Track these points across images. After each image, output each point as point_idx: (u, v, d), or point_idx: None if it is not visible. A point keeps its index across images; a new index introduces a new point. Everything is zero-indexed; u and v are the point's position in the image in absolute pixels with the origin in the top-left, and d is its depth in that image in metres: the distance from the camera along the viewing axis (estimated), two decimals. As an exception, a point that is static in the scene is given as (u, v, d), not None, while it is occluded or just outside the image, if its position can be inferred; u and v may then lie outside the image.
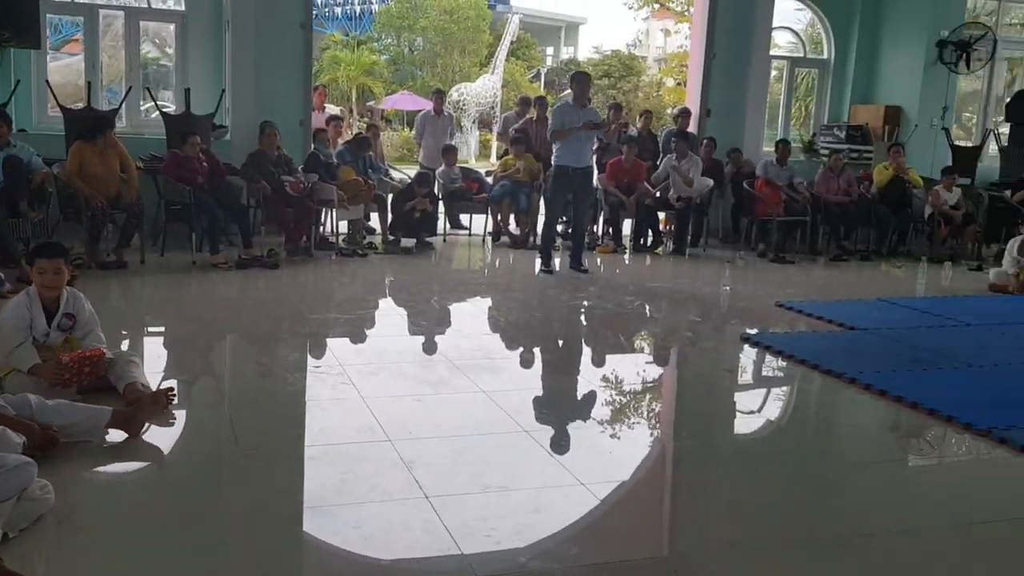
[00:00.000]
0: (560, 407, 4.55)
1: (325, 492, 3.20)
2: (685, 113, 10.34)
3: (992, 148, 11.02)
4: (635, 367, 5.43)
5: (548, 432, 4.02)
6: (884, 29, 11.12)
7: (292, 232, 8.01)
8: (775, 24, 10.69)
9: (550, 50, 39.31)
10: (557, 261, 8.04)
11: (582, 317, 6.61)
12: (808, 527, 3.21)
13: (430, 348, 5.45)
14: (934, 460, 4.19)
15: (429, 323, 6.21)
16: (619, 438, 4.08)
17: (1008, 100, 11.08)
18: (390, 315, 6.55)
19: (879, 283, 8.31)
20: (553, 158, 7.90)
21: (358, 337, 5.64)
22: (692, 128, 10.23)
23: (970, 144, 11.29)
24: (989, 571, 2.96)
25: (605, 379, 5.08)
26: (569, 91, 8.44)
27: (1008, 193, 9.55)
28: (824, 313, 6.48)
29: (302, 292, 6.96)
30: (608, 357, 5.67)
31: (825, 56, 11.47)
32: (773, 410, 4.76)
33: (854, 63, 11.25)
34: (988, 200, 9.82)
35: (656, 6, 30.66)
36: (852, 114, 11.26)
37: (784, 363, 5.32)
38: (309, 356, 5.15)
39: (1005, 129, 10.97)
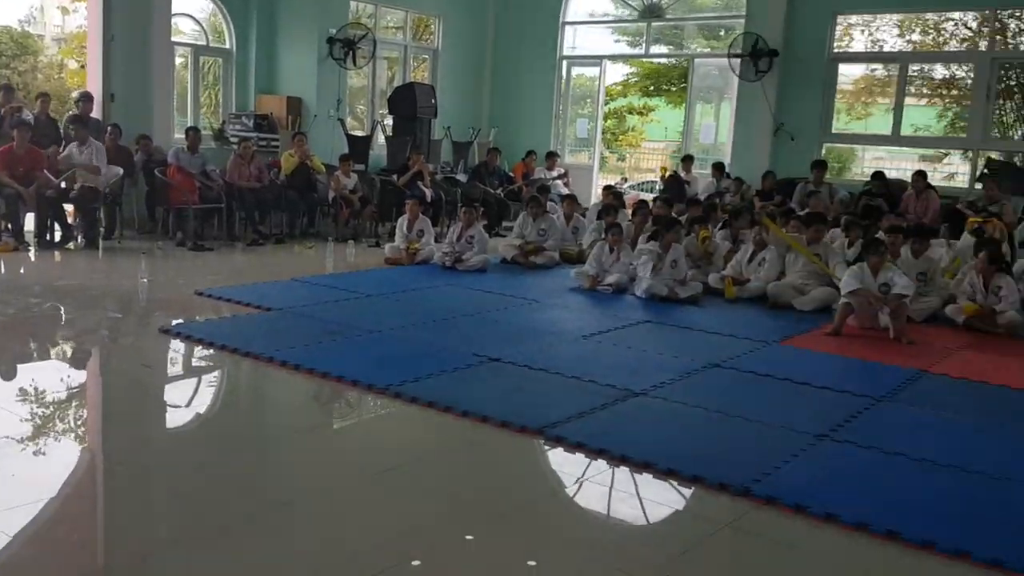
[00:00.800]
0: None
1: None
2: (87, 97, 9.76)
3: (380, 138, 12.56)
4: (53, 374, 5.11)
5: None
6: (280, 23, 11.88)
7: None
8: (176, 10, 10.66)
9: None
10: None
11: (-19, 327, 5.95)
12: (245, 504, 3.46)
13: None
14: (348, 421, 4.85)
15: None
16: (42, 454, 3.87)
17: (389, 95, 12.71)
18: None
19: (294, 264, 9.00)
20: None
21: None
22: (96, 114, 9.73)
23: (362, 134, 12.72)
24: (401, 513, 3.51)
25: (21, 392, 4.72)
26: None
27: (395, 177, 11.08)
28: (243, 297, 6.86)
29: None
30: (18, 367, 5.25)
31: (228, 46, 11.81)
32: (202, 399, 4.96)
33: (255, 54, 11.83)
34: (380, 184, 11.25)
35: (49, -20, 27.65)
36: (258, 103, 11.85)
37: (209, 351, 5.53)
38: None
39: (390, 121, 12.59)
